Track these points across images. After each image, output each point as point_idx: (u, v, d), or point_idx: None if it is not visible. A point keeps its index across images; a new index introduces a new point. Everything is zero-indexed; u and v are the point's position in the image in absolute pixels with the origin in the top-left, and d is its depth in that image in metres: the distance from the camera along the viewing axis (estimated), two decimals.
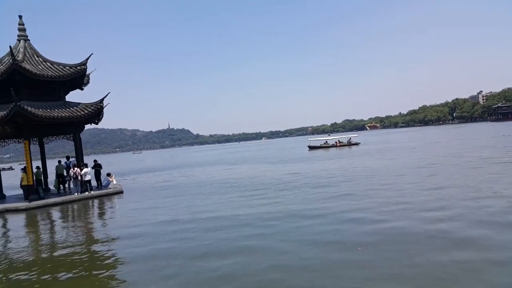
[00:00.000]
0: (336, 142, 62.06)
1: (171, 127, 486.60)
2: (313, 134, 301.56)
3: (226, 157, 59.21)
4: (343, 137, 67.23)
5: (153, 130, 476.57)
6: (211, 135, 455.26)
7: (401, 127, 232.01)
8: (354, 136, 65.22)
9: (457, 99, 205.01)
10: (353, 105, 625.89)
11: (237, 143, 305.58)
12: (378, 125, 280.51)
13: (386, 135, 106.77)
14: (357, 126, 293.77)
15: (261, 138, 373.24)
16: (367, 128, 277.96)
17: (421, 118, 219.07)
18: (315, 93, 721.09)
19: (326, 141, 63.24)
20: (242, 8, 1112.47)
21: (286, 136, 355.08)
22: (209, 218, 12.13)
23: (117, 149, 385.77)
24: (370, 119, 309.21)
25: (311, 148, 60.04)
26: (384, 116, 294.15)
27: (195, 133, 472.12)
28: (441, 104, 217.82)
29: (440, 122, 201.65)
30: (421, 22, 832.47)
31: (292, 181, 20.09)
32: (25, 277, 7.92)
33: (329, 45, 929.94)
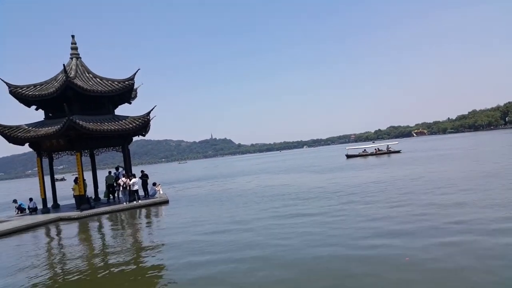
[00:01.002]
0: (375, 150, 60.34)
1: (213, 137, 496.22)
2: (356, 141, 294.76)
3: (267, 167, 59.24)
4: (382, 144, 65.26)
5: (197, 141, 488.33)
6: (252, 145, 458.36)
7: (450, 133, 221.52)
8: (394, 143, 63.21)
9: (509, 103, 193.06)
10: (399, 111, 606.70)
11: (278, 152, 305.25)
12: (425, 131, 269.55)
13: (433, 141, 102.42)
14: (403, 132, 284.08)
15: (302, 147, 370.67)
16: (414, 134, 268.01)
17: (471, 123, 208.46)
18: (358, 100, 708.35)
19: (365, 149, 61.72)
20: (277, 20, 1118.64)
21: (328, 144, 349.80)
22: (253, 228, 12.13)
23: (163, 159, 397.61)
24: (416, 125, 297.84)
25: (349, 156, 58.70)
26: (431, 121, 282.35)
27: (237, 143, 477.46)
28: (492, 108, 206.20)
29: (491, 127, 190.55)
30: (465, 22, 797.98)
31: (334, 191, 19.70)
32: (79, 281, 8.31)
33: (371, 50, 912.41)
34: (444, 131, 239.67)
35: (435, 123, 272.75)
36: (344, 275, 7.03)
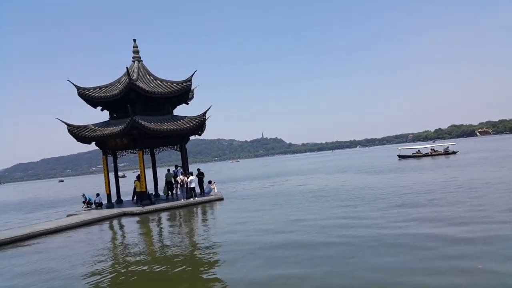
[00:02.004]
0: (430, 150, 57.36)
1: (264, 137, 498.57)
2: (414, 141, 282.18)
3: (317, 166, 58.61)
4: (438, 145, 61.89)
5: (248, 140, 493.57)
6: (303, 144, 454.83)
7: None
8: (451, 144, 59.75)
9: None
10: (461, 109, 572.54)
11: (330, 151, 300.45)
12: (490, 130, 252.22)
13: (498, 141, 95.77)
14: (466, 132, 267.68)
15: (355, 146, 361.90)
16: (477, 134, 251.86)
17: None
18: (416, 96, 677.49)
19: (419, 150, 58.73)
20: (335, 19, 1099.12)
21: (383, 144, 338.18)
22: (302, 228, 12.14)
23: (216, 158, 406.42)
24: (480, 123, 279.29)
25: (401, 157, 56.23)
26: (497, 120, 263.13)
27: (287, 142, 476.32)
28: None
29: None
30: None
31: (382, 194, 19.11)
32: (143, 270, 8.84)
33: (431, 43, 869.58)
34: (511, 130, 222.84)
35: (501, 121, 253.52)
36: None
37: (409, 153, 59.00)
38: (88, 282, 8.45)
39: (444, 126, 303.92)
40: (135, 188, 23.81)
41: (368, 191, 20.35)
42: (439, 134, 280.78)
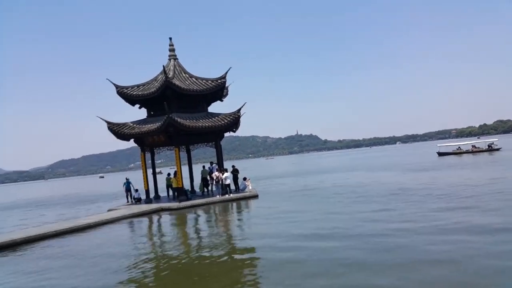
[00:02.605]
0: (471, 147, 54.85)
1: (299, 133, 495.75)
2: (457, 137, 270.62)
3: (354, 164, 57.49)
4: (480, 142, 58.99)
5: (282, 137, 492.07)
6: (339, 141, 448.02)
7: None
8: (494, 140, 56.83)
9: None
10: (508, 104, 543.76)
11: (368, 148, 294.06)
12: None
13: None
14: None
15: (395, 143, 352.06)
16: None
17: None
18: (460, 90, 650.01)
19: (459, 147, 56.42)
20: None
21: (425, 140, 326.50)
22: (340, 225, 11.89)
23: (250, 155, 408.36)
24: None
25: (441, 154, 54.38)
26: None
27: (323, 139, 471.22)
28: None
29: None
30: None
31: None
32: (181, 264, 8.98)
33: (478, 36, 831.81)
34: None
35: None
36: None
37: (449, 150, 57.00)
38: (129, 274, 8.68)
39: (490, 121, 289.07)
40: (169, 185, 24.37)
41: (409, 190, 19.69)
42: (484, 130, 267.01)
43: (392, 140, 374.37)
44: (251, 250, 9.97)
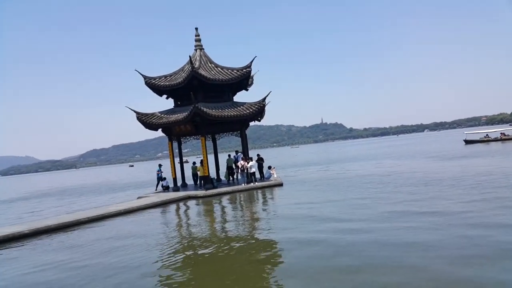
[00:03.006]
0: (500, 135, 52.91)
1: (324, 122, 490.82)
2: (487, 124, 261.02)
3: (379, 152, 56.63)
4: (509, 129, 56.78)
5: (307, 125, 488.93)
6: (365, 129, 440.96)
7: None
8: None
9: None
10: None
11: (395, 136, 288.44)
12: None
13: None
14: None
15: (423, 131, 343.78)
16: None
17: None
18: (490, 76, 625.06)
19: (487, 134, 54.54)
20: None
21: (454, 128, 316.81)
22: (364, 215, 11.93)
23: (274, 144, 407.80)
24: None
25: (468, 142, 52.81)
26: None
27: (348, 127, 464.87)
28: None
29: None
30: None
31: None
32: (208, 251, 9.28)
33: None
34: None
35: None
36: None
37: (477, 137, 55.36)
38: (160, 259, 9.09)
39: None
40: (195, 173, 24.93)
41: (440, 181, 19.39)
42: None
43: (419, 128, 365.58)
44: (274, 237, 10.17)
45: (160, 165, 26.98)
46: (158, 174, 26.25)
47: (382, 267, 6.97)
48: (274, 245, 9.33)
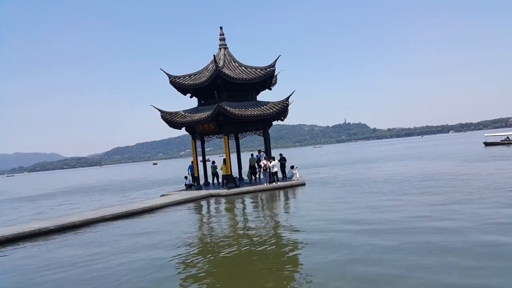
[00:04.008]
0: None
1: (347, 122, 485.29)
2: None
3: (403, 153, 55.32)
4: None
5: (330, 125, 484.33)
6: (389, 129, 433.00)
7: None
8: None
9: None
10: None
11: (419, 137, 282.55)
12: None
13: None
14: None
15: (447, 132, 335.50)
16: None
17: None
18: None
19: (508, 137, 52.97)
20: None
21: (480, 129, 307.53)
22: (388, 217, 11.61)
23: (297, 144, 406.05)
24: None
25: (488, 144, 51.38)
26: None
27: (372, 127, 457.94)
28: None
29: None
30: None
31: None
32: (229, 249, 9.22)
33: None
34: None
35: None
36: None
37: (497, 140, 53.78)
38: (180, 255, 9.09)
39: None
40: (214, 172, 25.04)
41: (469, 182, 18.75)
42: None
43: (445, 129, 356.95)
44: (296, 237, 10.01)
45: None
46: (190, 170, 25.87)
47: (406, 279, 6.57)
48: (295, 248, 9.10)
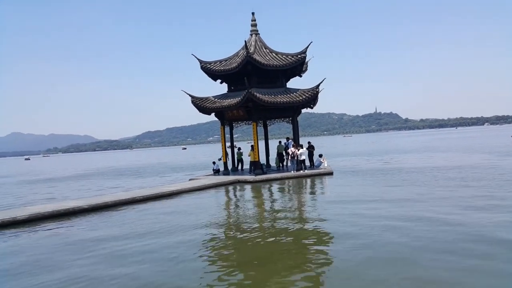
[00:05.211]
0: None
1: (378, 111, 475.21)
2: None
3: (433, 145, 53.63)
4: None
5: (360, 114, 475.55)
6: (421, 120, 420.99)
7: None
8: None
9: None
10: None
11: (453, 128, 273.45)
12: None
13: None
14: None
15: (483, 124, 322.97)
16: None
17: None
18: None
19: None
20: None
21: None
22: (416, 209, 11.36)
23: (325, 132, 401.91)
24: None
25: None
26: None
27: (403, 117, 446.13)
28: None
29: None
30: None
31: None
32: (253, 235, 9.31)
33: None
34: None
35: None
36: None
37: None
38: (202, 238, 9.31)
39: None
40: (240, 159, 25.63)
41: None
42: None
43: (480, 121, 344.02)
44: (322, 227, 9.97)
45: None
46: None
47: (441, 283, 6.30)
48: (321, 242, 8.79)
